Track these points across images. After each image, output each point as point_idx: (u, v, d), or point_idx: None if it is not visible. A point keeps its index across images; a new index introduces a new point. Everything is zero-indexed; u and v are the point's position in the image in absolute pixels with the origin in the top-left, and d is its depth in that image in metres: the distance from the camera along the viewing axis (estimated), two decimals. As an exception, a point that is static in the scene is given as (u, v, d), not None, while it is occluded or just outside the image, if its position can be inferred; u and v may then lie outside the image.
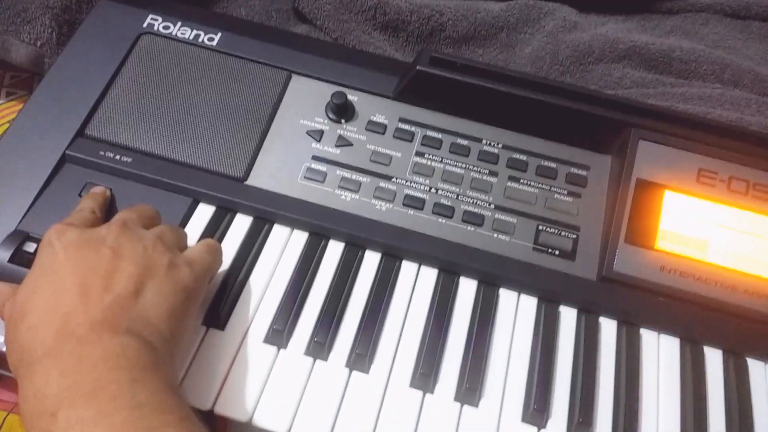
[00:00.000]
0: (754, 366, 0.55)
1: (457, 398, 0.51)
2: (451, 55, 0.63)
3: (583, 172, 0.62)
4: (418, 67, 0.62)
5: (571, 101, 0.62)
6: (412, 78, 0.63)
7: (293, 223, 0.59)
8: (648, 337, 0.56)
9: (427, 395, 0.51)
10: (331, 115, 0.63)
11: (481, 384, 0.52)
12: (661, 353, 0.55)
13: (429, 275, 0.58)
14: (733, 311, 0.56)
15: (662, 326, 0.56)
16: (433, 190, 0.60)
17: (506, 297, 0.57)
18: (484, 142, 0.63)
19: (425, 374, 0.51)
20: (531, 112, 0.63)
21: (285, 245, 0.58)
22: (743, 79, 0.78)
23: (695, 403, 0.52)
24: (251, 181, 0.59)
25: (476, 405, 0.51)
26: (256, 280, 0.55)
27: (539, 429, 0.50)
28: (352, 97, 0.64)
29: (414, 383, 0.51)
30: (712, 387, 0.54)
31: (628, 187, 0.59)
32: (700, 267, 0.57)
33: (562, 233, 0.59)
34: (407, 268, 0.58)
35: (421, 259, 0.58)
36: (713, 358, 0.55)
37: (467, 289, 0.57)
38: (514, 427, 0.50)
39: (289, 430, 0.48)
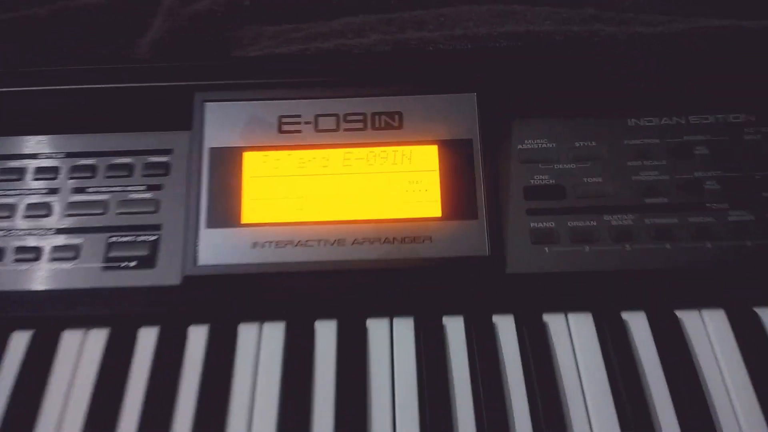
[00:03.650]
0: (376, 325, 0.46)
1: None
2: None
3: (164, 158, 0.51)
4: None
5: (118, 80, 0.51)
6: None
7: None
8: (247, 332, 0.46)
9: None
10: None
11: None
12: (262, 347, 0.45)
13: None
14: (347, 267, 0.47)
15: (265, 317, 0.46)
16: (-23, 234, 0.48)
17: (70, 338, 0.46)
18: (41, 156, 0.52)
19: None
20: (85, 106, 0.52)
21: None
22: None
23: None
24: None
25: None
26: None
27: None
28: None
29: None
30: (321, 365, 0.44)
31: (201, 161, 0.49)
32: (300, 230, 0.48)
33: (140, 238, 0.48)
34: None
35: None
36: (326, 334, 0.46)
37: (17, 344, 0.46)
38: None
39: None
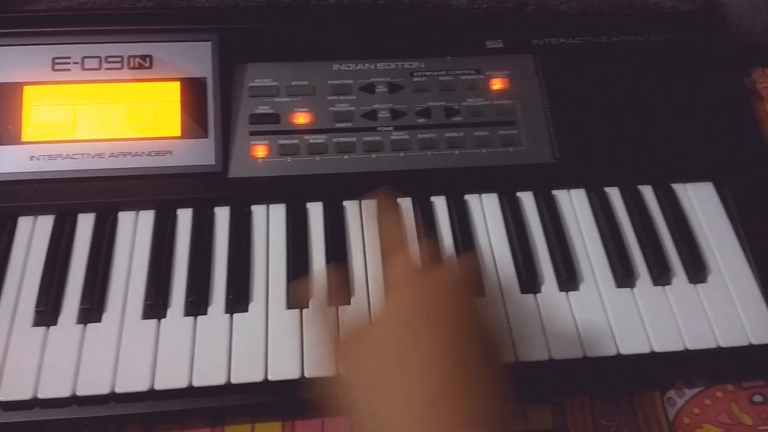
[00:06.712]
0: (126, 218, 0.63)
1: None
2: None
3: (-40, 90, 0.64)
4: None
5: None
6: None
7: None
8: (25, 224, 0.61)
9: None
10: None
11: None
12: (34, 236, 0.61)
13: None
14: (106, 175, 0.62)
15: (38, 210, 0.61)
16: None
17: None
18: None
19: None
20: None
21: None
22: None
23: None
24: None
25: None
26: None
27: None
28: None
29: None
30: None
31: (-13, 93, 0.62)
32: (68, 146, 0.62)
33: (-62, 153, 0.62)
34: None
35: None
36: (84, 222, 0.62)
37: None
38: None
39: None
